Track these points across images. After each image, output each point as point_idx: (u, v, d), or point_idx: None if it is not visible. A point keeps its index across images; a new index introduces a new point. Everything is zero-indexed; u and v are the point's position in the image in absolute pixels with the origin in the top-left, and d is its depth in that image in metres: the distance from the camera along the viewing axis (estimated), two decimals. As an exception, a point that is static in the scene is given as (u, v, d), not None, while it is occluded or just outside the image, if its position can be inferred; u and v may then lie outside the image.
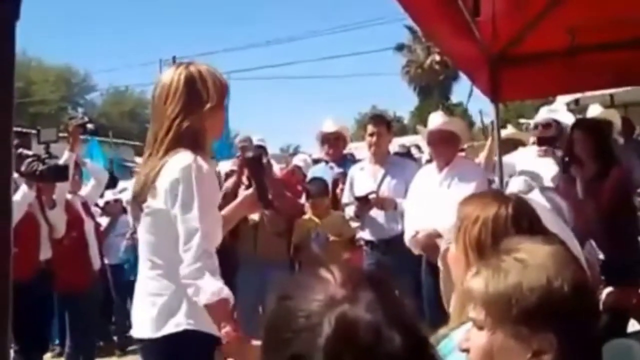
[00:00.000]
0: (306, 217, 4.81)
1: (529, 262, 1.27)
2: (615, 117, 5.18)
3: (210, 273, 2.17)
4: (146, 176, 2.30)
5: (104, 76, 70.98)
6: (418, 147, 8.55)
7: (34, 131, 5.04)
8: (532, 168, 4.70)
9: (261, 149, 4.93)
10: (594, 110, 5.42)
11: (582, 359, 1.24)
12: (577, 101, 8.24)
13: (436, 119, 4.52)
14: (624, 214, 3.89)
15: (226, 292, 2.18)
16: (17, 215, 4.22)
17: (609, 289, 2.62)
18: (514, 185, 4.44)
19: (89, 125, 4.98)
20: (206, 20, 78.72)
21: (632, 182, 4.38)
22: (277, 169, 5.68)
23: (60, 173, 4.49)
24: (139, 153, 17.42)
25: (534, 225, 1.71)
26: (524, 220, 1.69)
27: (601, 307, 2.56)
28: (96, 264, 5.46)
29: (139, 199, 2.33)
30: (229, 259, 5.23)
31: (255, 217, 4.66)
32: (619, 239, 3.69)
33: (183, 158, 2.25)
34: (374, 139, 4.79)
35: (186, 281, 2.18)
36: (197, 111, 2.33)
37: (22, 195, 4.33)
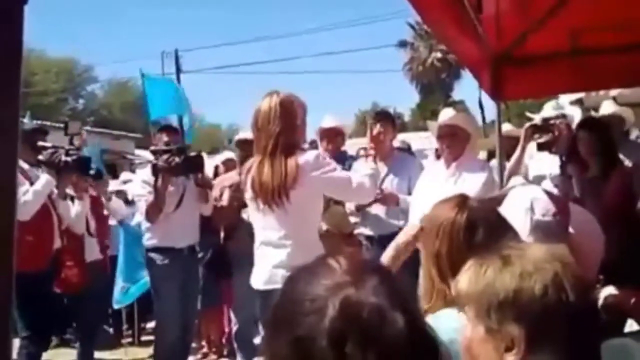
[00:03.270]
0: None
1: (510, 261, 1.32)
2: (628, 114, 5.15)
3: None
4: (281, 175, 3.07)
5: (106, 68, 70.83)
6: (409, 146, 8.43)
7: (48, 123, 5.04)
8: (538, 166, 4.71)
9: None
10: (607, 108, 5.38)
11: (561, 355, 1.27)
12: (581, 101, 8.22)
13: (448, 114, 4.50)
14: (627, 214, 3.87)
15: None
16: (37, 204, 4.26)
17: (607, 291, 2.61)
18: (513, 184, 4.43)
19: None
20: (207, 13, 78.72)
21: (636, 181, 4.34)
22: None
23: (83, 165, 4.58)
24: (140, 145, 17.26)
25: (488, 233, 1.80)
26: (478, 229, 1.81)
27: (599, 307, 2.55)
28: (91, 258, 5.47)
29: (277, 192, 3.08)
30: (225, 259, 5.22)
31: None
32: (620, 239, 3.67)
33: (308, 153, 3.23)
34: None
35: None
36: (294, 127, 3.17)
37: (44, 183, 4.34)
